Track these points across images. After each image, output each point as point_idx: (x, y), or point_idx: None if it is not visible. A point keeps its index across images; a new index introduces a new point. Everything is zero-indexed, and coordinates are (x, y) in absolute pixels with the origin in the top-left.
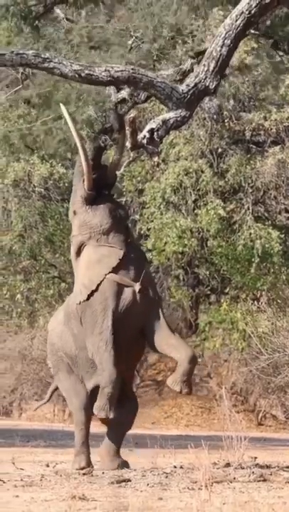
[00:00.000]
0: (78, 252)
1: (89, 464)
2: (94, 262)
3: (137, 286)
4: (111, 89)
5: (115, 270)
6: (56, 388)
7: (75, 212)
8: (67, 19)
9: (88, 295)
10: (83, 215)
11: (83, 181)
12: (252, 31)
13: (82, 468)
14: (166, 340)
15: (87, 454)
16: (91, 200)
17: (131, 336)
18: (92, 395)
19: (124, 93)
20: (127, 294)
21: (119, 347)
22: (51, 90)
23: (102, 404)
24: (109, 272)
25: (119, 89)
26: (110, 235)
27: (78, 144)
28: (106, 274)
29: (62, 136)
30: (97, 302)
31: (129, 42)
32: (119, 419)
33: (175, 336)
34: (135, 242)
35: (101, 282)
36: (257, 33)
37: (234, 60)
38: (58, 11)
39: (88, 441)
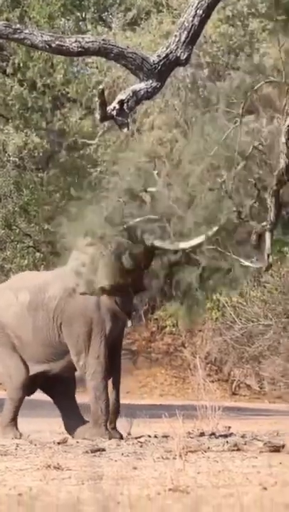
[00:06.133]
0: None
1: (17, 435)
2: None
3: (129, 323)
4: None
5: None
6: None
7: None
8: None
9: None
10: None
11: None
12: None
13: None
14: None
15: (15, 426)
16: None
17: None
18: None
19: None
20: (118, 325)
21: None
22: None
23: (100, 432)
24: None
25: None
26: None
27: None
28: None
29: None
30: (95, 322)
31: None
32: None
33: (117, 392)
34: None
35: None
36: None
37: (207, 29)
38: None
39: (17, 416)
